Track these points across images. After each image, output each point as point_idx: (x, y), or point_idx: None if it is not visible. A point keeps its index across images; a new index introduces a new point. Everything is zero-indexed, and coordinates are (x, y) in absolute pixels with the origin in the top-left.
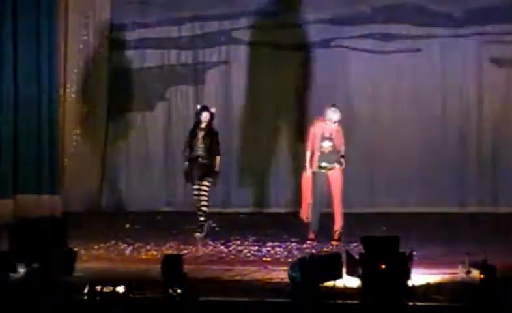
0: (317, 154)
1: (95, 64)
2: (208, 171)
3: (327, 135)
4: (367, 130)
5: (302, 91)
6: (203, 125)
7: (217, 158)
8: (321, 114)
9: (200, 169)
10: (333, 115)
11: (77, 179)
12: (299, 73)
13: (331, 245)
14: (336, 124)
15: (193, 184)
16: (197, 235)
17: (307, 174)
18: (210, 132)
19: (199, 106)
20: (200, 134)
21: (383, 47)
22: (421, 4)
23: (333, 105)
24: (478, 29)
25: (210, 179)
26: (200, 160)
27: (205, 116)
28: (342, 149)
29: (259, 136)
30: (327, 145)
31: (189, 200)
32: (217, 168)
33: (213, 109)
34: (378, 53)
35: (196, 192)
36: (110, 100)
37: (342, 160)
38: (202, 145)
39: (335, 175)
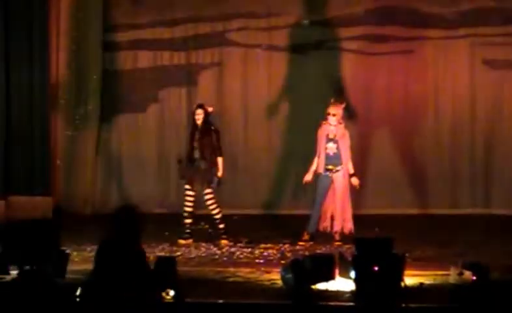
0: (322, 156)
1: (87, 65)
2: (207, 178)
3: (331, 136)
4: (360, 131)
5: (295, 93)
6: (198, 123)
7: (219, 159)
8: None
9: (199, 175)
10: (330, 108)
11: (69, 180)
12: (292, 75)
13: (335, 245)
14: (334, 117)
15: (187, 183)
16: (224, 242)
17: (306, 178)
18: (207, 131)
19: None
20: (197, 134)
21: (375, 49)
22: (413, 6)
23: (334, 99)
24: (470, 31)
25: (210, 186)
26: (198, 162)
27: (198, 113)
28: (349, 165)
29: (252, 138)
30: (331, 146)
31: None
32: (220, 172)
33: (210, 109)
34: (370, 55)
35: (190, 193)
36: (102, 101)
37: (350, 166)
38: (198, 146)
39: (340, 178)
